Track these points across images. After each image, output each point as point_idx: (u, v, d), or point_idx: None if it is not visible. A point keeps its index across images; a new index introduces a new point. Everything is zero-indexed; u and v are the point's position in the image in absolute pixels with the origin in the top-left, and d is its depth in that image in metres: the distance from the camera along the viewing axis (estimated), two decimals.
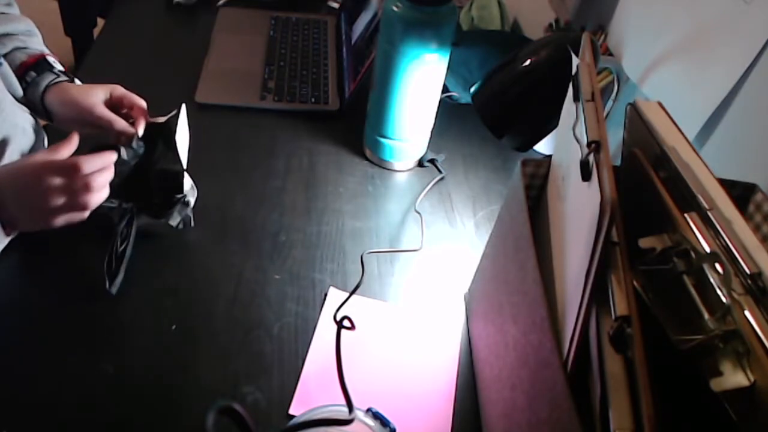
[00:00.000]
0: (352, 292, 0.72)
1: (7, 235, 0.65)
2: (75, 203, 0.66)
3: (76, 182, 0.64)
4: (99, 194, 0.67)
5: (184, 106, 0.75)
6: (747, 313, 0.38)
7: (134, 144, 0.73)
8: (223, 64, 1.14)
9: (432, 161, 0.98)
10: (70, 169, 0.64)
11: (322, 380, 0.66)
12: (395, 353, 0.71)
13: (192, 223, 0.80)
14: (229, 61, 1.15)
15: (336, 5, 1.37)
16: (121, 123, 0.75)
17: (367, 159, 0.98)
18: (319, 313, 0.73)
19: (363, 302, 0.75)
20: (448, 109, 1.06)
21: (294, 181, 0.92)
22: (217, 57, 1.15)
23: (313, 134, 1.02)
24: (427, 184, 0.94)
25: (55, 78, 0.79)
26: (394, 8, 0.80)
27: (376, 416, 0.58)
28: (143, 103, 0.77)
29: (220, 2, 1.33)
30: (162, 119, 0.76)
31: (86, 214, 0.67)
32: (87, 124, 0.76)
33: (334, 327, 0.61)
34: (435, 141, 0.98)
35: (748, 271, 0.40)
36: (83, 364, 0.65)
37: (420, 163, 0.98)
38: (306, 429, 0.50)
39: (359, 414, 0.56)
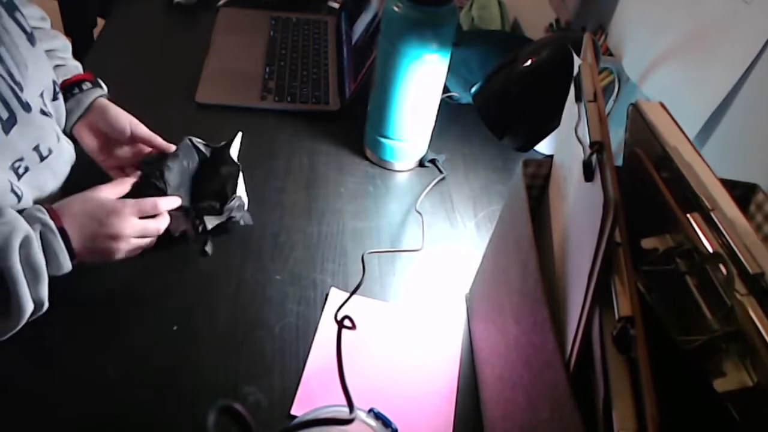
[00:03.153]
0: (353, 292, 0.72)
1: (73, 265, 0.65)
2: (140, 246, 0.70)
3: (150, 229, 0.70)
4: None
5: (240, 134, 0.84)
6: (750, 313, 0.38)
7: (174, 162, 0.77)
8: (224, 64, 1.14)
9: (433, 161, 0.98)
10: (150, 207, 0.70)
11: (324, 380, 0.66)
12: (397, 353, 0.71)
13: (251, 221, 0.82)
14: (229, 62, 1.15)
15: (336, 5, 1.37)
16: (160, 140, 0.79)
17: (367, 159, 0.98)
18: (320, 314, 0.73)
19: (364, 302, 0.75)
20: (448, 109, 1.06)
21: (294, 182, 0.92)
22: (217, 57, 1.15)
23: (314, 134, 1.01)
24: (428, 185, 0.93)
25: (105, 95, 0.82)
26: (395, 8, 0.80)
27: (378, 416, 0.57)
28: (164, 144, 0.80)
29: (220, 2, 1.33)
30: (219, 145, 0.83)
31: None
32: (111, 134, 0.79)
33: (335, 327, 0.60)
34: (436, 141, 0.98)
35: (750, 272, 0.40)
36: (84, 364, 0.65)
37: (421, 164, 0.98)
38: (307, 429, 0.50)
39: (361, 414, 0.56)
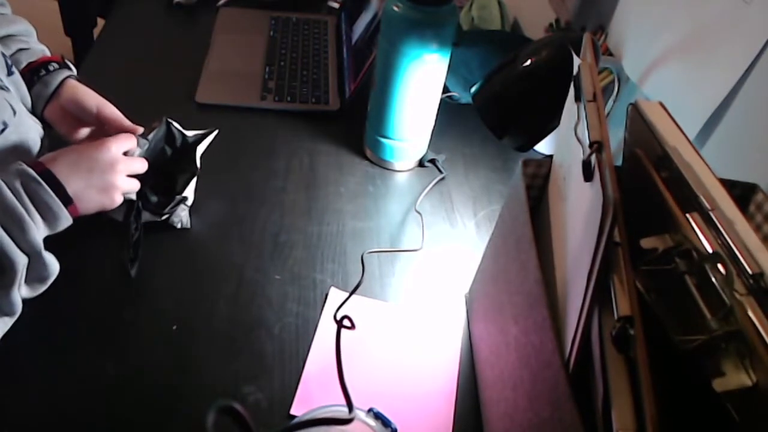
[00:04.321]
0: (353, 292, 0.72)
1: (73, 214, 0.64)
2: (132, 167, 0.70)
3: (135, 165, 0.70)
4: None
5: (216, 132, 0.83)
6: (749, 313, 0.38)
7: (142, 142, 0.76)
8: (223, 64, 1.14)
9: (432, 161, 0.98)
10: (129, 137, 0.70)
11: (324, 380, 0.66)
12: (396, 353, 0.71)
13: (189, 224, 0.81)
14: (229, 61, 1.15)
15: (336, 5, 1.37)
16: (128, 122, 0.76)
17: (367, 159, 0.98)
18: (320, 314, 0.73)
19: (364, 302, 0.75)
20: (448, 109, 1.06)
21: (294, 182, 0.92)
22: (217, 57, 1.15)
23: (314, 134, 1.02)
24: (428, 184, 0.94)
25: (74, 75, 0.80)
26: (395, 8, 0.80)
27: (378, 416, 0.57)
28: (131, 126, 0.77)
29: (220, 2, 1.33)
30: (191, 133, 0.81)
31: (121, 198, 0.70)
32: (82, 116, 0.77)
33: (335, 327, 0.60)
34: (435, 141, 0.98)
35: (750, 272, 0.40)
36: (84, 364, 0.65)
37: (420, 163, 0.98)
38: (307, 429, 0.50)
39: (361, 414, 0.56)
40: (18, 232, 0.58)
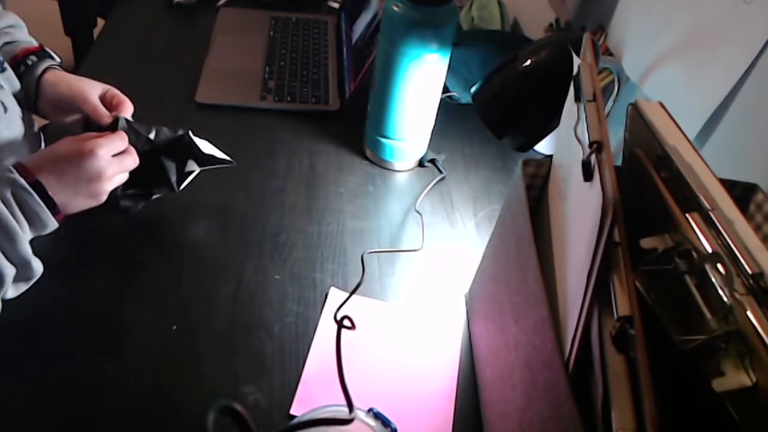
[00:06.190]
0: (353, 292, 0.72)
1: (58, 220, 0.64)
2: (123, 167, 0.68)
3: (127, 163, 0.68)
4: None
5: (230, 165, 0.82)
6: (749, 313, 0.38)
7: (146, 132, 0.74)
8: (223, 64, 1.14)
9: (432, 161, 0.98)
10: (120, 138, 0.68)
11: (323, 380, 0.66)
12: (396, 353, 0.71)
13: (131, 213, 0.79)
14: (229, 61, 1.15)
15: (336, 5, 1.37)
16: (102, 112, 0.74)
17: (367, 159, 0.98)
18: (320, 313, 0.73)
19: (364, 302, 0.75)
20: (448, 109, 1.05)
21: (294, 182, 0.92)
22: (217, 57, 1.15)
23: (314, 134, 1.02)
24: (428, 184, 0.94)
25: (55, 63, 0.79)
26: (395, 8, 0.80)
27: (378, 416, 0.57)
28: (130, 105, 0.77)
29: (220, 2, 1.33)
30: (209, 150, 0.79)
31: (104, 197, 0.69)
32: (71, 110, 0.76)
33: (335, 327, 0.60)
34: (435, 141, 0.98)
35: (749, 272, 0.40)
36: (83, 364, 0.65)
37: (420, 163, 0.98)
38: (307, 429, 0.50)
39: (360, 414, 0.56)
40: (8, 243, 0.59)
